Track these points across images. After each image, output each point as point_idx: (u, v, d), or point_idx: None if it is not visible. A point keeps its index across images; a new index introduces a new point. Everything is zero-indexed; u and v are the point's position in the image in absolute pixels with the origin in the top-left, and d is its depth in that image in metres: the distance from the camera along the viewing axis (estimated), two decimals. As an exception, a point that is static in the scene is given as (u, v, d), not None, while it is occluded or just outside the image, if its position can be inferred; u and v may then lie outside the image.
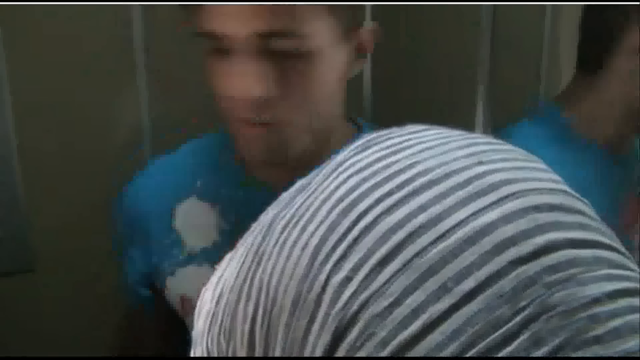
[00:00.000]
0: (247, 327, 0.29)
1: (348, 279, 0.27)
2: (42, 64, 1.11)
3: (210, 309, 0.33)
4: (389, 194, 0.28)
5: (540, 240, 0.26)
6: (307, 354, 0.27)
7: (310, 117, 0.75)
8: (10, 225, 1.15)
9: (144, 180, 0.91)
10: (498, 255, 0.26)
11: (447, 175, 0.28)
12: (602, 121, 1.01)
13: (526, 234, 0.26)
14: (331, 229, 0.28)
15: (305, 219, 0.29)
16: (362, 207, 0.28)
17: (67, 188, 1.15)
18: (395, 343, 0.25)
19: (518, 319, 0.25)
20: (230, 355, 0.31)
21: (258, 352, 0.29)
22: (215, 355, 0.32)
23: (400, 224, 0.27)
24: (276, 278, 0.28)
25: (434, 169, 0.29)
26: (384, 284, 0.26)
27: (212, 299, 0.33)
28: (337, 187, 0.29)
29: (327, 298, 0.27)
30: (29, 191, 1.14)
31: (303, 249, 0.28)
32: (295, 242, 0.29)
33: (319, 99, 0.75)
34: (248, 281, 0.30)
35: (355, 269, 0.27)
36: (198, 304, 0.35)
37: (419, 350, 0.25)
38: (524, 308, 0.25)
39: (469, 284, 0.25)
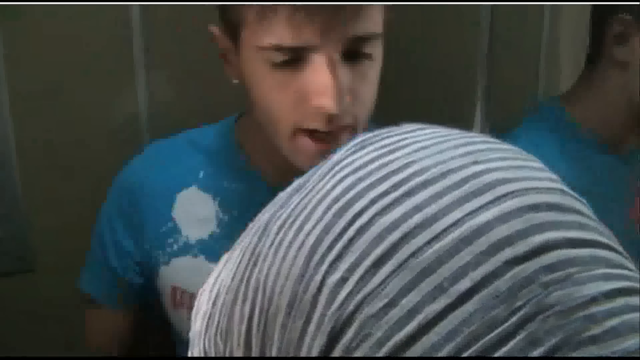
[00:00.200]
0: (243, 327, 0.29)
1: (344, 280, 0.26)
2: (41, 64, 1.11)
3: (207, 310, 0.33)
4: (385, 193, 0.28)
5: (537, 239, 0.26)
6: (303, 354, 0.27)
7: (367, 120, 0.76)
8: (10, 225, 1.14)
9: (144, 164, 0.89)
10: (494, 255, 0.26)
11: (443, 175, 0.28)
12: (605, 116, 1.01)
13: (522, 234, 0.26)
14: (327, 229, 0.28)
15: (301, 219, 0.29)
16: (357, 207, 0.28)
17: (67, 188, 1.15)
18: (391, 344, 0.25)
19: (514, 319, 0.25)
20: (227, 355, 0.31)
21: (254, 353, 0.29)
22: (213, 355, 0.32)
23: (395, 224, 0.27)
24: (272, 279, 0.28)
25: (430, 169, 0.29)
26: (380, 284, 0.26)
27: (208, 299, 0.33)
28: (333, 187, 0.29)
29: (322, 299, 0.27)
30: (29, 191, 1.14)
31: (299, 249, 0.28)
32: (291, 243, 0.29)
33: (373, 101, 0.76)
34: (244, 282, 0.30)
35: (351, 270, 0.27)
36: (195, 304, 0.35)
37: (415, 350, 0.25)
38: (520, 308, 0.25)
39: (464, 284, 0.25)
